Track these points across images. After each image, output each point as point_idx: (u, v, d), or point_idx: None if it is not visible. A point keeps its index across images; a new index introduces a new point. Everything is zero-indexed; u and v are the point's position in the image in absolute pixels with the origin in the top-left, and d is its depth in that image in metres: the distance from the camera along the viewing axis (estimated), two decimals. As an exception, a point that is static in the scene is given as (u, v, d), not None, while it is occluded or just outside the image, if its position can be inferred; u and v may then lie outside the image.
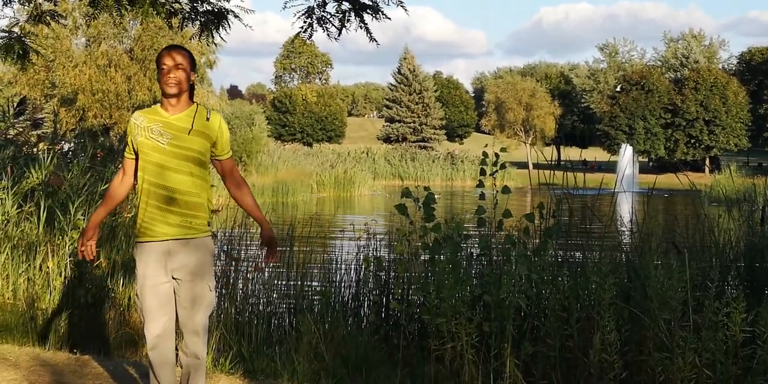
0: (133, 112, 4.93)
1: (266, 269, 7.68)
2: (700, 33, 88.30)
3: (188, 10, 8.66)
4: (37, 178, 8.67)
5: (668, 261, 5.49)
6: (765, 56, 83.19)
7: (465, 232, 6.62)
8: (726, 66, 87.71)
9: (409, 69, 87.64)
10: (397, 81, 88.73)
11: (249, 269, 7.51)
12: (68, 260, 7.80)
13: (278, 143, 61.59)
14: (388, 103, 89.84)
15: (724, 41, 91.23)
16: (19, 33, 8.82)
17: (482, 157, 6.79)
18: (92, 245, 4.62)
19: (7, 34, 8.68)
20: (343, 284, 7.43)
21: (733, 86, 73.43)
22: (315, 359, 6.12)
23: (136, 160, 4.51)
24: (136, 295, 4.54)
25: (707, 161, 74.94)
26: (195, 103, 4.57)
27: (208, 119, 4.50)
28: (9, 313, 7.49)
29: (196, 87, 4.75)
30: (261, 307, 7.36)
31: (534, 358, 5.79)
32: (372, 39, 8.06)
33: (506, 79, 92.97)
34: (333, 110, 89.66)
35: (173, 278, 4.45)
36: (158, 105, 4.58)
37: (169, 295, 4.46)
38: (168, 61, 4.45)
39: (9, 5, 8.71)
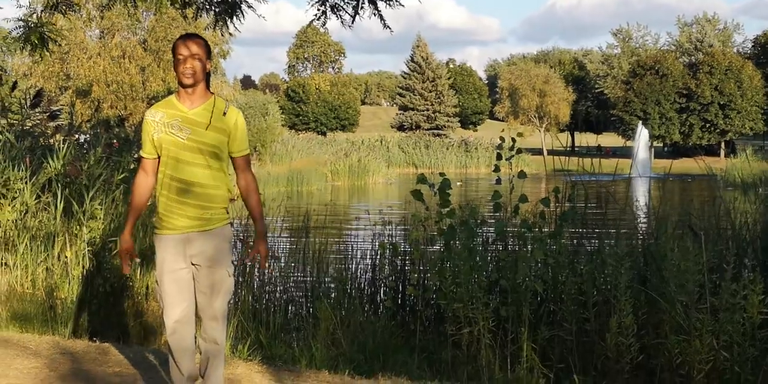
0: (148, 105, 4.91)
1: (282, 256, 7.73)
2: (714, 17, 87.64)
3: (202, 0, 8.69)
4: (55, 168, 8.72)
5: (684, 244, 5.48)
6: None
7: (480, 219, 6.62)
8: (741, 49, 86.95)
9: (422, 57, 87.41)
10: (410, 69, 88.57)
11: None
12: (86, 250, 7.86)
13: (292, 132, 61.56)
14: (401, 91, 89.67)
15: (738, 25, 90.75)
16: (36, 22, 8.87)
17: (499, 142, 6.79)
18: (128, 261, 4.57)
19: (24, 24, 8.73)
20: (359, 271, 7.47)
21: (748, 70, 72.78)
22: (332, 345, 6.16)
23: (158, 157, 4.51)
24: (156, 281, 4.57)
25: (723, 145, 74.41)
26: (213, 95, 4.55)
27: (224, 114, 4.48)
28: (28, 302, 7.55)
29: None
30: (278, 295, 7.41)
31: (551, 342, 5.81)
32: (386, 26, 8.08)
33: (520, 66, 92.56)
34: (346, 99, 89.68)
35: (192, 264, 4.48)
36: (174, 96, 4.55)
37: (188, 281, 4.49)
38: (183, 51, 4.42)
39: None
